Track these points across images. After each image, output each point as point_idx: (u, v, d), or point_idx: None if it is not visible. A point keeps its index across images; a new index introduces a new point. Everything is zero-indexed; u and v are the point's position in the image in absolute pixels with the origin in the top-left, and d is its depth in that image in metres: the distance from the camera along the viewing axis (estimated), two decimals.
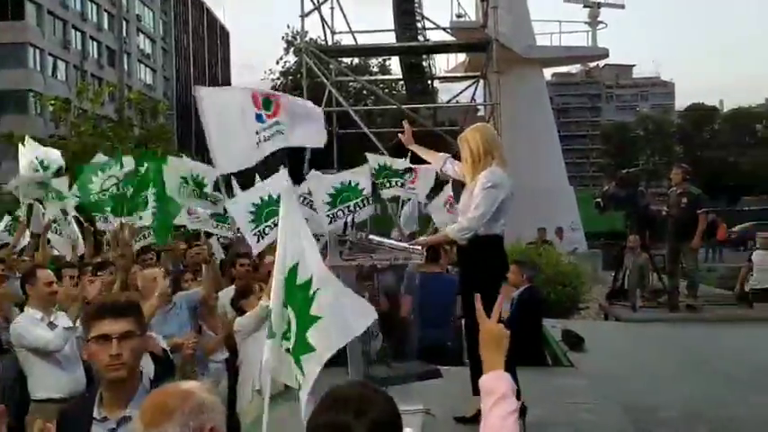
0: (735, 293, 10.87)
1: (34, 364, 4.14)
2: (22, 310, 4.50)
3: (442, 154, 4.79)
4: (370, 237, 4.39)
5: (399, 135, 4.93)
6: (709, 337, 8.17)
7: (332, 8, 21.69)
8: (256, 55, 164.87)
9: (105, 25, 52.01)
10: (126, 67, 50.88)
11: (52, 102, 20.46)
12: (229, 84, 79.19)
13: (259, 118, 5.57)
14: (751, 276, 10.40)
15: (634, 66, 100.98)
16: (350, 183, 6.44)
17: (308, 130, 5.79)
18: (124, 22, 51.72)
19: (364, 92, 36.31)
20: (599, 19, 28.42)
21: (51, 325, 4.23)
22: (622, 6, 31.58)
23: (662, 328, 8.95)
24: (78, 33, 48.59)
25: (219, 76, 76.21)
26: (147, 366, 3.99)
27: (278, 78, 44.01)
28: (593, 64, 74.99)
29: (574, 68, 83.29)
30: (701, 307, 9.65)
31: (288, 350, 2.55)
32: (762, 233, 10.96)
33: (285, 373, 2.57)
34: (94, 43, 50.57)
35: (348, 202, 6.31)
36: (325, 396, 1.62)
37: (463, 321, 4.81)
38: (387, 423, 1.54)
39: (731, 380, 5.89)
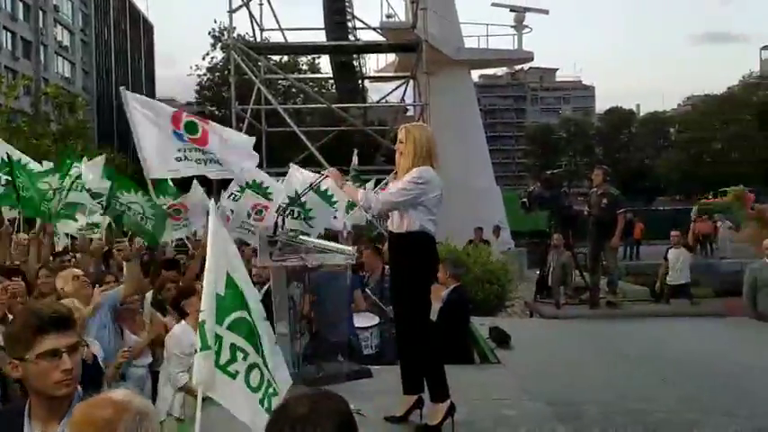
0: (653, 290, 11.41)
1: None
2: None
3: (361, 191, 4.50)
4: (301, 237, 4.37)
5: (328, 174, 4.70)
6: (628, 332, 8.50)
7: (260, 4, 21.46)
8: (181, 49, 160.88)
9: (20, 15, 49.49)
10: (42, 59, 48.64)
11: None
12: (153, 78, 76.96)
13: (179, 137, 5.63)
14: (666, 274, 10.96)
15: (557, 69, 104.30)
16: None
17: (241, 157, 5.97)
18: (41, 13, 49.41)
19: (293, 90, 36.02)
20: (524, 23, 29.16)
21: None
22: (546, 12, 32.63)
23: (584, 324, 9.26)
24: None
25: (142, 69, 73.90)
26: None
27: (204, 74, 43.11)
28: (518, 67, 77.03)
29: (500, 71, 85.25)
30: (621, 303, 10.05)
31: (218, 365, 2.52)
32: (674, 232, 11.50)
33: (213, 387, 2.52)
34: (8, 34, 48.02)
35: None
36: (277, 414, 1.57)
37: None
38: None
39: (650, 373, 6.14)
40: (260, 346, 2.62)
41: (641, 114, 78.56)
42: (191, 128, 5.83)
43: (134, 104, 5.71)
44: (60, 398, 2.13)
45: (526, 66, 66.46)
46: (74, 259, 6.66)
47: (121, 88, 5.76)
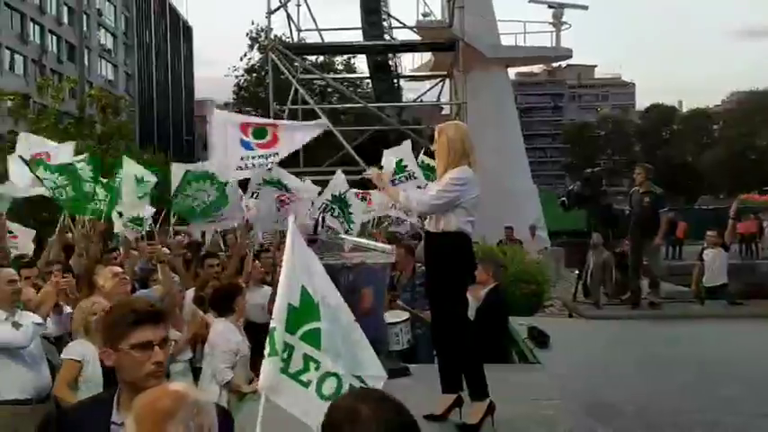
0: (690, 291, 11.18)
1: None
2: None
3: (402, 194, 4.50)
4: (341, 236, 4.41)
5: (370, 175, 4.68)
6: (670, 333, 8.36)
7: (298, 5, 21.64)
8: (219, 51, 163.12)
9: (65, 19, 50.81)
10: (87, 62, 49.84)
11: (10, 97, 19.91)
12: (192, 79, 78.19)
13: (246, 145, 6.04)
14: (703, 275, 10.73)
15: (596, 66, 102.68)
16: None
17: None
18: (85, 17, 50.65)
19: (329, 89, 36.21)
20: (563, 20, 28.79)
21: (16, 324, 4.15)
22: (586, 8, 32.08)
23: (625, 325, 9.13)
24: (37, 27, 47.35)
25: (182, 71, 75.15)
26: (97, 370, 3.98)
27: (242, 75, 43.61)
28: (555, 64, 76.09)
29: (537, 68, 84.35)
30: (663, 304, 9.87)
31: (288, 372, 2.57)
32: (710, 232, 11.23)
33: (278, 392, 2.57)
34: (54, 37, 49.35)
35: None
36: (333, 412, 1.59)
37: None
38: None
39: (690, 375, 6.04)
40: (340, 353, 2.63)
41: (683, 111, 76.88)
42: (259, 134, 6.20)
43: (216, 119, 6.33)
44: (146, 389, 2.19)
45: (564, 63, 65.75)
46: (118, 257, 6.82)
47: (216, 110, 6.52)
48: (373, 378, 2.67)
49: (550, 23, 28.66)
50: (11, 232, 7.75)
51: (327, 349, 2.62)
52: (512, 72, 35.62)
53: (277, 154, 6.25)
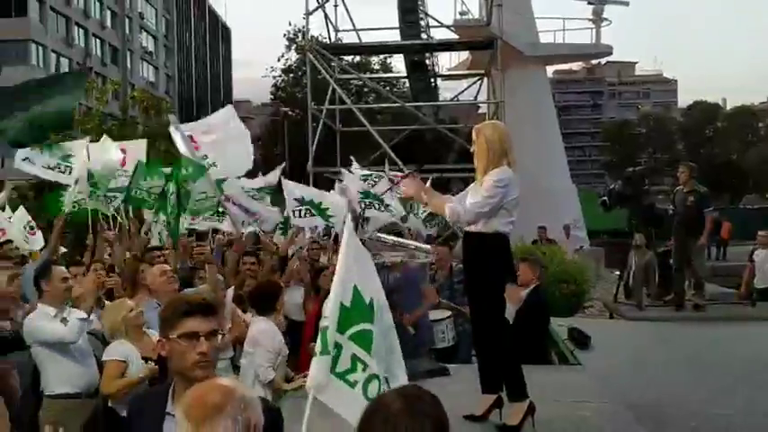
0: (739, 293, 10.89)
1: (49, 358, 4.17)
2: None
3: (448, 205, 4.27)
4: (381, 236, 4.43)
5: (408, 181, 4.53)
6: (715, 336, 8.18)
7: (336, 6, 21.71)
8: (257, 52, 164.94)
9: (108, 23, 52.07)
10: (129, 64, 50.95)
11: None
12: (230, 80, 79.25)
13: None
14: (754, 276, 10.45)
15: (636, 63, 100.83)
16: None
17: (237, 154, 5.89)
18: (127, 20, 51.80)
19: (365, 89, 36.30)
20: (603, 16, 28.33)
21: (64, 320, 4.26)
22: (626, 3, 31.48)
23: (668, 326, 8.97)
24: (81, 30, 48.66)
25: (220, 72, 76.23)
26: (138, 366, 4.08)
27: (279, 76, 44.01)
28: (595, 61, 74.92)
29: (575, 65, 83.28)
30: (707, 306, 9.66)
31: (335, 372, 2.59)
32: (762, 232, 10.94)
33: (325, 391, 2.59)
34: (97, 41, 50.63)
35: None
36: (371, 409, 1.60)
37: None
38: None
39: (735, 379, 5.90)
40: (383, 356, 2.63)
41: (727, 108, 74.96)
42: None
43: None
44: (197, 380, 2.26)
45: (603, 60, 64.72)
46: (162, 256, 6.94)
47: (229, 106, 6.29)
48: (399, 383, 2.65)
49: (590, 20, 28.25)
50: (31, 228, 8.00)
51: (377, 352, 2.62)
52: (550, 70, 35.18)
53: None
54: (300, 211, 7.71)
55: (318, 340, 2.57)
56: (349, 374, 2.58)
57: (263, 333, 4.80)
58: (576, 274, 10.40)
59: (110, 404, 4.07)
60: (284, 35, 42.89)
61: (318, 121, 19.91)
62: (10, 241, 7.19)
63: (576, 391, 5.12)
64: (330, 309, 2.59)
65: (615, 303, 10.71)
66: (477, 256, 4.19)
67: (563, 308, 9.62)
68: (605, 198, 11.05)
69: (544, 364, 6.01)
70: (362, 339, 2.61)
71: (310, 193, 7.98)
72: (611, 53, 29.42)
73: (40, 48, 43.74)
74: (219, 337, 2.38)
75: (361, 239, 4.60)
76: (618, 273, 11.61)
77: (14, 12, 42.52)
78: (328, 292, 5.34)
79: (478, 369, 4.38)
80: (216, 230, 8.86)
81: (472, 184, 4.26)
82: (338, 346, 2.58)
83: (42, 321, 4.18)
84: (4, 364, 3.37)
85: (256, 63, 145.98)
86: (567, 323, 7.90)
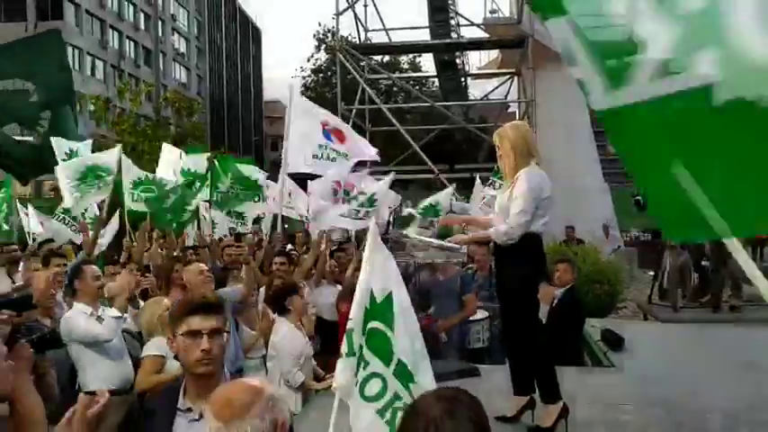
0: None
1: (86, 356, 4.24)
2: None
3: (491, 231, 4.25)
4: (412, 236, 4.41)
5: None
6: (754, 338, 7.98)
7: (365, 6, 21.76)
8: (287, 52, 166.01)
9: (142, 25, 52.89)
10: (162, 66, 51.70)
11: (93, 101, 20.89)
12: (260, 81, 79.91)
13: (326, 134, 6.39)
14: None
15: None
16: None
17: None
18: (160, 22, 52.56)
19: (394, 88, 36.32)
20: None
21: (99, 319, 4.34)
22: None
23: (704, 328, 8.78)
24: (116, 33, 49.50)
25: (251, 73, 76.88)
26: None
27: (309, 76, 44.25)
28: None
29: None
30: (744, 307, 9.45)
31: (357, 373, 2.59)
32: None
33: (350, 394, 2.59)
34: (131, 43, 51.46)
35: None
36: (411, 412, 1.57)
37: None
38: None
39: None
40: (394, 358, 2.63)
41: None
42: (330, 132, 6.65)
43: (297, 100, 6.91)
44: (202, 376, 2.37)
45: None
46: (197, 255, 7.02)
47: (290, 84, 7.06)
48: (422, 388, 2.64)
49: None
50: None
51: (388, 352, 2.61)
52: None
53: (347, 155, 6.49)
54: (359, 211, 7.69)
55: (344, 342, 2.58)
56: (376, 401, 2.58)
57: (283, 338, 4.83)
58: (611, 274, 10.23)
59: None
60: (314, 35, 43.25)
61: (348, 120, 19.98)
62: (51, 240, 7.32)
63: (611, 394, 5.05)
64: (354, 311, 2.60)
65: (649, 304, 10.54)
66: (507, 256, 4.16)
67: (596, 309, 9.48)
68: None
69: (577, 366, 5.94)
70: (371, 338, 2.61)
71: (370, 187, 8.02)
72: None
73: (76, 50, 44.57)
74: (225, 335, 2.42)
75: (394, 239, 4.62)
76: (652, 273, 11.40)
77: (51, 15, 43.44)
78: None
79: (510, 370, 4.34)
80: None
81: (499, 190, 4.23)
82: (360, 348, 2.59)
83: (79, 320, 4.26)
84: (42, 362, 3.43)
85: (287, 63, 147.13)
86: (600, 324, 7.77)
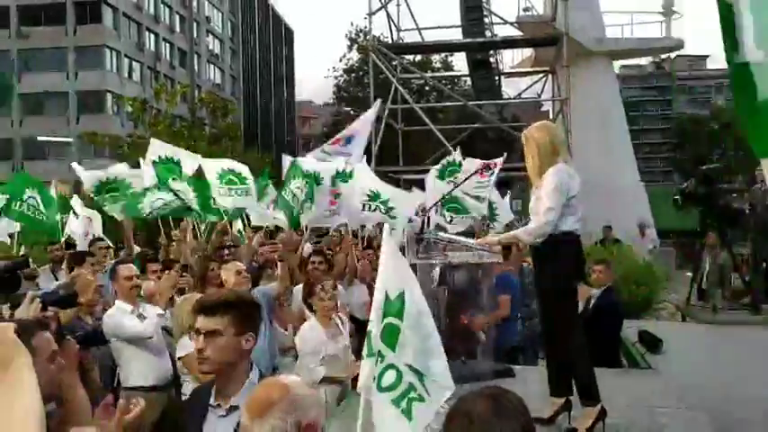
0: None
1: (127, 353, 4.34)
2: None
3: (519, 232, 4.36)
4: (446, 235, 4.41)
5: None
6: None
7: (398, 5, 21.76)
8: (319, 52, 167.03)
9: (177, 27, 53.70)
10: (196, 67, 52.45)
11: (131, 102, 21.28)
12: (293, 81, 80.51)
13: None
14: None
15: (708, 56, 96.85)
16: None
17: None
18: (195, 24, 53.34)
19: (426, 88, 36.24)
20: (674, 8, 27.33)
21: (140, 316, 4.43)
22: None
23: (745, 330, 8.59)
24: (152, 35, 50.36)
25: (284, 73, 77.47)
26: None
27: (341, 76, 44.41)
28: (664, 55, 72.38)
29: (643, 60, 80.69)
30: None
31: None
32: None
33: (372, 392, 2.61)
34: (167, 45, 52.29)
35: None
36: (456, 410, 1.58)
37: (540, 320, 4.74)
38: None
39: None
40: (405, 350, 2.65)
41: None
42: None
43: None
44: (211, 374, 2.47)
45: (673, 54, 62.45)
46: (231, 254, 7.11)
47: (378, 101, 7.66)
48: (440, 387, 2.66)
49: (660, 13, 27.34)
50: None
51: (402, 344, 2.63)
52: (617, 65, 34.18)
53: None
54: (370, 206, 7.64)
55: (365, 343, 2.62)
56: (391, 390, 2.60)
57: (301, 336, 4.87)
58: (648, 275, 10.07)
59: None
60: (346, 35, 43.33)
61: (381, 120, 20.00)
62: (102, 239, 7.49)
63: (650, 397, 4.97)
64: (372, 313, 2.64)
65: (688, 306, 10.34)
66: (544, 256, 4.13)
67: (633, 310, 9.33)
68: (678, 197, 10.65)
69: (614, 368, 5.86)
70: (387, 332, 2.64)
71: (384, 188, 7.91)
72: (682, 47, 28.35)
73: (114, 53, 45.49)
74: (223, 338, 2.41)
75: (425, 239, 4.62)
76: (690, 274, 11.18)
77: (90, 19, 44.39)
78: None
79: (547, 371, 4.31)
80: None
81: (533, 196, 4.20)
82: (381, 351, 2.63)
83: (121, 317, 4.35)
84: (86, 358, 3.53)
85: (319, 63, 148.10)
86: (637, 326, 7.66)
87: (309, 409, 1.84)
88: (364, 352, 2.63)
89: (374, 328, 2.61)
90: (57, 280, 6.26)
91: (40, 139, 35.30)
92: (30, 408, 1.43)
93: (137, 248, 7.26)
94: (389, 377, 2.61)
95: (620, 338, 6.88)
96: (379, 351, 2.61)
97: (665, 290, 11.54)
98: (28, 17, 44.60)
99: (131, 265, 4.88)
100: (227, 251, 7.17)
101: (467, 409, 1.52)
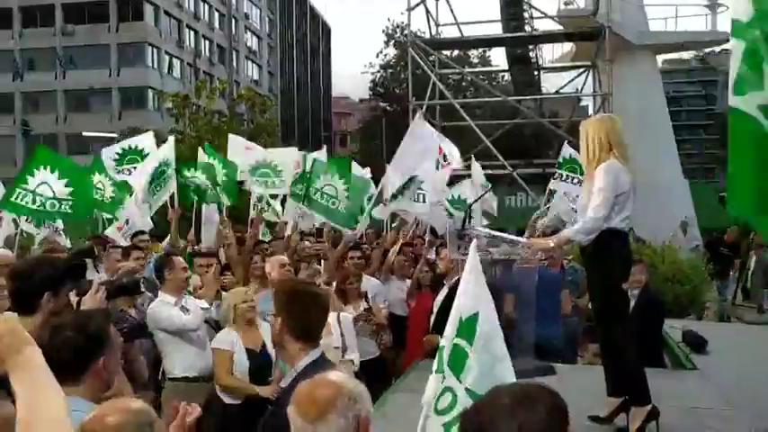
0: None
1: (171, 344, 4.41)
2: None
3: (568, 233, 4.23)
4: (489, 231, 4.37)
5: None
6: None
7: (437, 0, 21.67)
8: (356, 48, 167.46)
9: (216, 24, 54.38)
10: (235, 63, 53.07)
11: (172, 98, 21.67)
12: (329, 77, 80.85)
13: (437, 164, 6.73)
14: None
15: None
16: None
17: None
18: (233, 21, 53.94)
19: (463, 83, 36.03)
20: (719, 1, 26.61)
21: (183, 308, 4.50)
22: None
23: None
24: (192, 32, 51.11)
25: (320, 69, 77.82)
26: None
27: (378, 72, 44.45)
28: (708, 49, 70.60)
29: (686, 54, 78.81)
30: None
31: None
32: None
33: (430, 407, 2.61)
34: (206, 41, 53.01)
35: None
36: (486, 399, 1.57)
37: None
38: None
39: None
40: (468, 376, 2.62)
41: None
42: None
43: (418, 124, 7.30)
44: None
45: (717, 48, 60.86)
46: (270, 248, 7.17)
47: (419, 112, 7.48)
48: None
49: (705, 6, 26.65)
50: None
51: (467, 368, 2.59)
52: (660, 59, 33.42)
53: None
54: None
55: (436, 359, 2.60)
56: (445, 414, 2.58)
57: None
58: (692, 273, 9.86)
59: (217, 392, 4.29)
60: (383, 31, 43.33)
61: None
62: (143, 232, 7.65)
63: (695, 398, 4.88)
64: (447, 329, 2.61)
65: (733, 305, 10.11)
66: (593, 255, 4.09)
67: (675, 309, 9.15)
68: (725, 194, 10.40)
69: (657, 368, 5.76)
70: (455, 354, 2.61)
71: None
72: (727, 40, 27.54)
73: (155, 50, 46.31)
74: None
75: (468, 235, 4.58)
76: (735, 273, 10.92)
77: (131, 16, 45.27)
78: (428, 288, 5.37)
79: (604, 371, 4.27)
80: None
81: (583, 192, 4.15)
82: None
83: (166, 310, 4.43)
84: (132, 349, 3.61)
85: (356, 59, 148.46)
86: (680, 325, 7.50)
87: (365, 401, 1.86)
88: (434, 367, 2.62)
89: (447, 343, 2.61)
90: (98, 273, 6.37)
91: (85, 134, 36.13)
92: (54, 390, 1.49)
93: (181, 242, 7.37)
94: (445, 400, 2.60)
95: (664, 338, 6.76)
96: (444, 370, 2.60)
97: (710, 290, 11.28)
98: (72, 15, 45.68)
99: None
100: (265, 246, 7.26)
101: (491, 401, 1.51)
